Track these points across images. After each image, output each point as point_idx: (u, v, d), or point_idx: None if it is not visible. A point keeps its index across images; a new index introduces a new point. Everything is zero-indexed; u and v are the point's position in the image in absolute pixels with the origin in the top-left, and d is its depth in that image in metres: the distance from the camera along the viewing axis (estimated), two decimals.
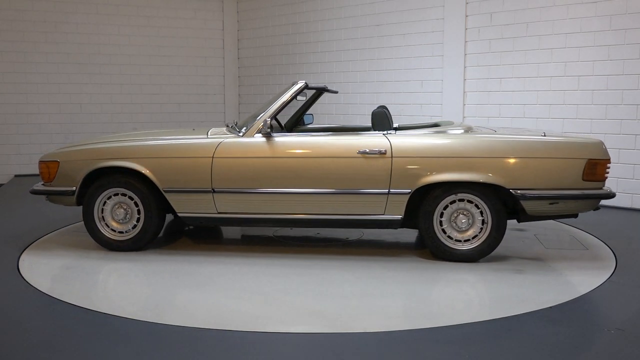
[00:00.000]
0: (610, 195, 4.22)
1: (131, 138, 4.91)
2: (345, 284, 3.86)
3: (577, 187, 4.18)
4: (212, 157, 4.45)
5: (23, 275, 4.05)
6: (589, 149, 4.21)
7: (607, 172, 4.24)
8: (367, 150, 4.28)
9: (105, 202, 4.65)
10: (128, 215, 4.64)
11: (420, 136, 4.41)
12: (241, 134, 4.55)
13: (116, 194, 4.63)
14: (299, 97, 4.71)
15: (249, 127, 4.56)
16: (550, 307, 3.40)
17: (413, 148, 4.30)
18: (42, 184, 4.80)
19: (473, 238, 4.31)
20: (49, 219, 5.78)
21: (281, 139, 4.47)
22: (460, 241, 4.32)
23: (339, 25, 8.72)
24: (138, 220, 4.62)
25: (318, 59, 9.04)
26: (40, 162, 4.78)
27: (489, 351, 2.85)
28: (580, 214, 4.40)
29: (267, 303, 3.54)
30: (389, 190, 4.27)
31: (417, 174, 4.24)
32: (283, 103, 4.55)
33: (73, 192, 4.62)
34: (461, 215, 4.29)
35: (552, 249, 4.70)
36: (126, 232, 4.65)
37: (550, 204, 4.18)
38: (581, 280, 3.91)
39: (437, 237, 4.32)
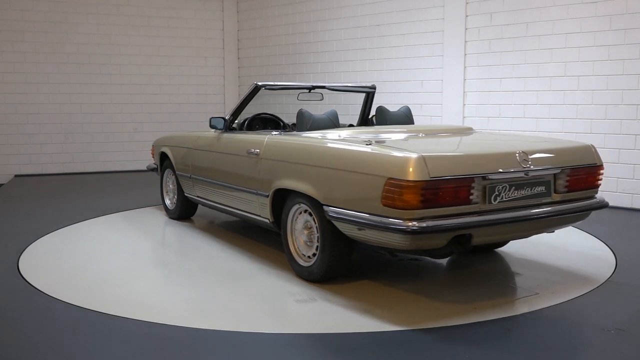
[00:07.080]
0: (412, 230, 3.01)
1: (187, 131, 6.45)
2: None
3: (376, 212, 3.18)
4: (193, 148, 5.25)
5: (23, 275, 4.05)
6: (392, 165, 3.11)
7: (422, 199, 3.03)
8: (251, 151, 4.34)
9: (167, 179, 5.93)
10: (173, 192, 5.84)
11: (289, 137, 4.15)
12: (213, 130, 5.04)
13: (172, 174, 5.78)
14: (302, 98, 4.99)
15: None
16: (550, 307, 3.40)
17: (273, 150, 4.11)
18: (153, 163, 6.25)
19: (313, 255, 3.78)
20: (49, 219, 5.79)
21: (221, 135, 4.89)
22: (306, 256, 3.85)
23: (339, 25, 8.72)
24: (177, 196, 5.70)
25: (318, 59, 9.05)
26: (152, 146, 6.23)
27: (489, 351, 2.85)
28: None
29: (266, 302, 3.55)
30: (257, 192, 4.24)
31: (273, 178, 4.03)
32: (239, 104, 4.91)
33: (156, 168, 6.10)
34: (306, 229, 3.84)
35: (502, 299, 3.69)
36: (173, 203, 5.85)
37: (359, 229, 3.33)
38: (581, 280, 3.91)
39: (288, 247, 3.96)
